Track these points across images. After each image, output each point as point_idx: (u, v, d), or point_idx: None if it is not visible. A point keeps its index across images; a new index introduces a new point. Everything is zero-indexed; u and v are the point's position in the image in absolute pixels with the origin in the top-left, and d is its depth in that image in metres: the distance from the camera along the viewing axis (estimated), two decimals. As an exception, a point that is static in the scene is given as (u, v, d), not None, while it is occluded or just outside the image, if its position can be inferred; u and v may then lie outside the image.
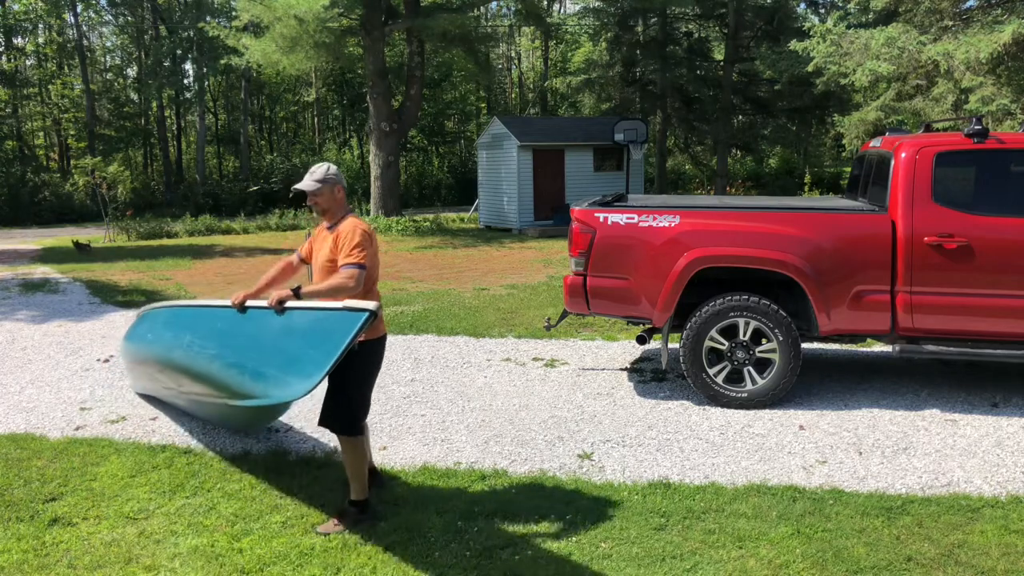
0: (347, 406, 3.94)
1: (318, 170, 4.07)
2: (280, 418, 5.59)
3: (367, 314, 3.54)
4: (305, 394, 3.52)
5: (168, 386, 5.29)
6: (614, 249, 5.85)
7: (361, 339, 3.79)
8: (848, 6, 18.70)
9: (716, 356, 5.79)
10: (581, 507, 4.15)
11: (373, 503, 4.11)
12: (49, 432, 5.44)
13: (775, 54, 22.64)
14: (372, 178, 22.57)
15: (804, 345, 6.25)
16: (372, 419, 5.58)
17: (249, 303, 4.12)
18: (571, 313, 6.21)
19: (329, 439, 5.21)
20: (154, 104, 37.95)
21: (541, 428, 5.38)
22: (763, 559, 3.63)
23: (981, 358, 5.53)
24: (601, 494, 4.31)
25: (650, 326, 6.09)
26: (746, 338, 5.69)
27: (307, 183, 4.03)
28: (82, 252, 17.14)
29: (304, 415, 5.71)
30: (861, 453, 4.87)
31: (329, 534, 3.89)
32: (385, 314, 9.35)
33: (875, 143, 6.54)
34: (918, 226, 5.46)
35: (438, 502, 4.22)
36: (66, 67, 39.62)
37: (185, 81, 37.89)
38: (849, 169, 20.66)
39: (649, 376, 6.62)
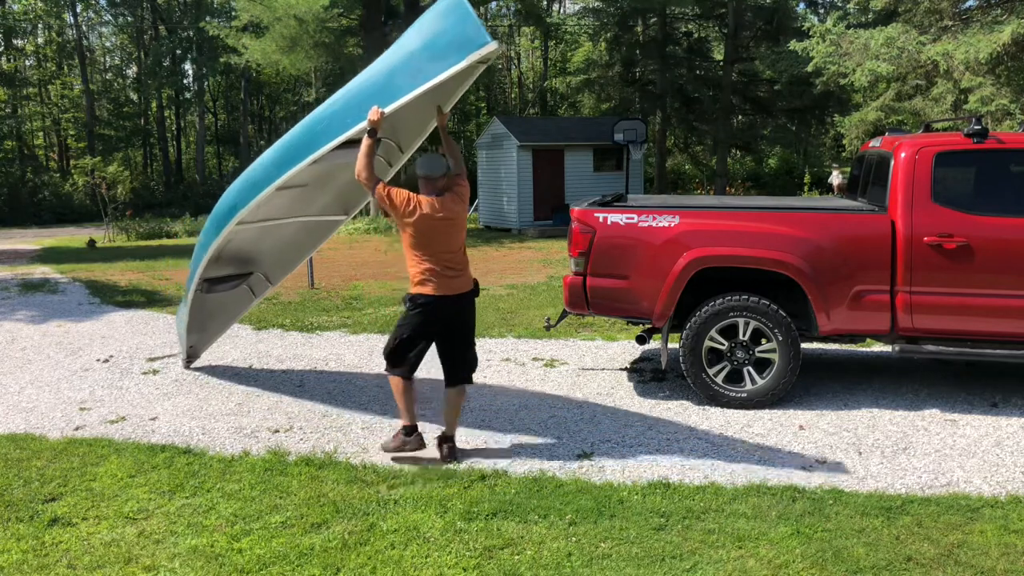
0: (388, 344, 4.89)
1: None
2: (286, 418, 5.60)
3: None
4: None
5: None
6: (614, 249, 5.85)
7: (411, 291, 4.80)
8: (848, 6, 18.72)
9: (716, 356, 5.79)
10: (581, 507, 4.15)
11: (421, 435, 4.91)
12: (49, 432, 5.43)
13: (775, 54, 22.67)
14: (371, 178, 22.56)
15: (804, 345, 6.25)
16: (371, 419, 5.59)
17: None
18: (571, 313, 6.21)
19: (328, 440, 5.21)
20: (153, 104, 37.96)
21: (541, 428, 5.38)
22: (763, 559, 3.63)
23: (981, 358, 5.53)
24: (601, 494, 4.30)
25: (650, 326, 6.08)
26: (746, 338, 5.69)
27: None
28: (92, 248, 18.36)
29: (304, 415, 5.71)
30: (861, 453, 4.87)
31: (389, 451, 4.85)
32: (385, 314, 9.36)
33: (875, 143, 6.54)
34: (918, 226, 5.45)
35: (438, 502, 4.22)
36: (66, 67, 39.62)
37: (185, 81, 37.88)
38: (849, 169, 20.66)
39: (649, 376, 6.62)
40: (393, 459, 4.86)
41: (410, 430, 4.82)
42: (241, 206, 5.56)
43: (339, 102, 5.23)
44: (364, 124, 4.80)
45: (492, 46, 4.62)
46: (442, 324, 4.82)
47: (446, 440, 4.92)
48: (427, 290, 4.74)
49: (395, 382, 4.85)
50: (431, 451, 4.92)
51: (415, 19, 5.45)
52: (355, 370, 6.95)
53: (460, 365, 4.91)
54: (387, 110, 4.78)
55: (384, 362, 4.91)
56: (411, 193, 4.77)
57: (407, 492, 4.35)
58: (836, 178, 27.85)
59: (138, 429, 5.47)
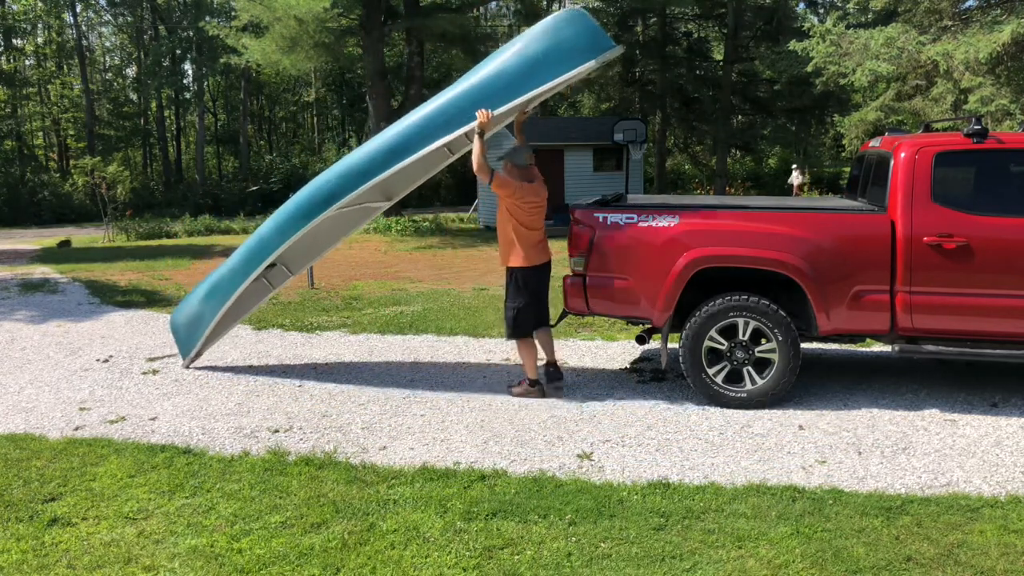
0: (508, 317, 5.96)
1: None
2: (286, 418, 5.60)
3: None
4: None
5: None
6: (613, 249, 5.85)
7: (516, 265, 5.85)
8: (847, 6, 18.71)
9: (716, 356, 5.79)
10: (581, 507, 4.15)
11: (543, 383, 6.10)
12: (48, 432, 5.44)
13: (775, 54, 22.67)
14: (371, 178, 22.55)
15: (804, 345, 6.24)
16: (371, 418, 5.60)
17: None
18: (571, 313, 6.21)
19: (328, 440, 5.22)
20: (153, 104, 37.96)
21: (541, 428, 5.38)
22: (762, 559, 3.63)
23: (981, 358, 5.52)
24: (601, 494, 4.31)
25: (650, 326, 6.08)
26: (745, 338, 5.69)
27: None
28: (63, 247, 18.85)
29: (304, 415, 5.71)
30: (860, 453, 4.87)
31: (516, 395, 6.02)
32: (384, 314, 9.36)
33: (875, 143, 6.54)
34: (917, 226, 5.45)
35: (438, 502, 4.22)
36: (65, 67, 39.63)
37: (184, 81, 37.88)
38: (849, 169, 20.68)
39: (649, 376, 6.62)
40: (516, 395, 6.03)
41: (534, 382, 6.01)
42: (341, 196, 5.98)
43: (470, 96, 5.77)
44: (474, 124, 5.61)
45: (620, 49, 5.59)
46: (537, 286, 5.90)
47: (551, 365, 6.11)
48: (529, 262, 5.83)
49: (521, 345, 5.98)
50: (432, 457, 4.92)
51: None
52: (355, 370, 6.95)
53: (545, 315, 6.06)
54: (496, 112, 5.57)
55: (508, 331, 5.98)
56: (517, 181, 5.81)
57: (407, 492, 4.35)
58: (796, 178, 27.91)
59: (138, 429, 5.47)
